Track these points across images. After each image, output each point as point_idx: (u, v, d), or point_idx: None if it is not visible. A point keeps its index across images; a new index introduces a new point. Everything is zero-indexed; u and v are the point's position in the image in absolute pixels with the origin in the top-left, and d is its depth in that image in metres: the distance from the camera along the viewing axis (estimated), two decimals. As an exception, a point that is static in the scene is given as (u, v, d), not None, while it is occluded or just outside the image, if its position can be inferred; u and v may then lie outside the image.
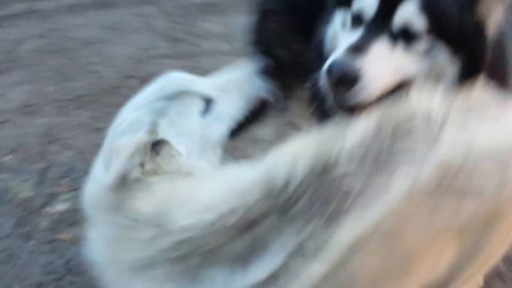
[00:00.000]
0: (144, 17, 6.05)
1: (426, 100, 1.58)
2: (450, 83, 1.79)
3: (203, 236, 1.57)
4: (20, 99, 4.54)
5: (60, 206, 3.13)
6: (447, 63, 1.77)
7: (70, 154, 3.61)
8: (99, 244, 1.75)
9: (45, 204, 3.15)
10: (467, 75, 1.78)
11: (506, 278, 2.44)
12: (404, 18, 1.73)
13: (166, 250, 1.60)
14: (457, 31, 1.75)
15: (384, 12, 1.75)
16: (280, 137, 2.68)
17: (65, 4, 6.43)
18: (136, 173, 1.67)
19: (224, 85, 1.95)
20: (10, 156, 3.74)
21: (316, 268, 1.50)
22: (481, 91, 1.68)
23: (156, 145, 1.73)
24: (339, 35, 1.90)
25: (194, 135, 1.81)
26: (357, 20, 1.81)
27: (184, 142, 1.78)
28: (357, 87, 1.67)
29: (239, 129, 1.95)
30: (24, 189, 3.29)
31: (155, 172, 1.70)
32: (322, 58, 1.84)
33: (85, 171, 1.79)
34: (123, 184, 1.67)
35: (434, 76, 1.78)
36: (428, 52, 1.76)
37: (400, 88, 1.78)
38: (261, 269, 1.54)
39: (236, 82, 1.98)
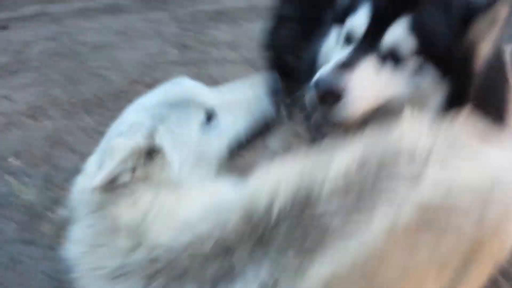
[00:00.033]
0: (154, 23, 6.06)
1: (411, 132, 1.57)
2: (436, 108, 1.79)
3: (177, 256, 1.56)
4: (27, 101, 4.55)
5: (64, 211, 3.12)
6: (434, 86, 1.78)
7: (75, 158, 3.60)
8: (78, 247, 1.72)
9: (49, 209, 3.14)
10: (453, 101, 1.78)
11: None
12: (392, 40, 1.74)
13: (140, 264, 1.59)
14: (445, 54, 1.76)
15: (374, 32, 1.77)
16: (287, 146, 2.66)
17: (76, 8, 6.47)
18: (125, 177, 1.65)
19: (230, 100, 1.91)
20: (15, 159, 3.74)
21: None
22: (466, 122, 1.66)
23: (151, 152, 1.71)
24: (332, 50, 1.92)
25: (191, 146, 1.78)
26: (348, 38, 1.83)
27: (179, 152, 1.75)
28: (341, 103, 1.69)
29: (239, 147, 1.90)
30: (28, 193, 3.28)
31: (144, 180, 1.68)
32: (313, 70, 1.85)
33: (90, 176, 1.76)
34: (111, 187, 1.65)
35: (420, 98, 1.79)
36: (415, 73, 1.76)
37: (386, 107, 1.79)
38: None
39: (243, 99, 1.94)
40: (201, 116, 1.81)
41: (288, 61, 2.51)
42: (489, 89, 1.90)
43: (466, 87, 1.79)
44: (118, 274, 1.62)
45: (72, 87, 4.74)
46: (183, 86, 1.88)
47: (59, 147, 3.81)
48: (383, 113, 1.79)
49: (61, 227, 3.00)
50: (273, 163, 1.64)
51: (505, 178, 1.56)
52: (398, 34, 1.73)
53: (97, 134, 3.86)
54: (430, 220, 1.47)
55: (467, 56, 1.76)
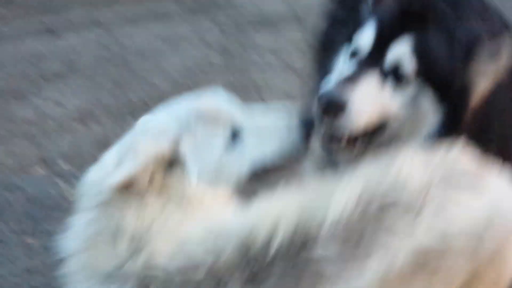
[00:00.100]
0: (200, 30, 6.14)
1: (409, 166, 1.57)
2: (431, 133, 1.83)
3: (170, 279, 1.53)
4: (76, 106, 4.67)
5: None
6: (430, 110, 1.81)
7: (122, 162, 3.69)
8: (76, 241, 1.68)
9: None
10: (447, 128, 1.81)
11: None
12: (396, 56, 1.79)
13: (135, 273, 1.56)
14: (444, 80, 1.79)
15: (379, 50, 1.82)
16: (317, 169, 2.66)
17: (125, 15, 6.56)
18: (143, 181, 1.62)
19: (259, 123, 1.85)
20: (64, 162, 3.86)
21: None
22: (463, 150, 1.68)
23: (172, 162, 1.68)
24: (342, 67, 1.96)
25: (211, 162, 1.73)
26: (354, 55, 1.88)
27: (199, 165, 1.71)
28: (344, 116, 1.74)
29: (261, 174, 1.83)
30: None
31: (158, 189, 1.65)
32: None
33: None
34: (126, 188, 1.61)
35: (417, 120, 1.83)
36: (414, 95, 1.81)
37: (384, 126, 1.84)
38: None
39: (272, 126, 1.86)
40: (227, 133, 1.77)
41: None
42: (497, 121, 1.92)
43: (459, 118, 1.81)
44: (111, 277, 1.59)
45: (120, 92, 4.86)
46: (215, 98, 1.85)
47: (107, 150, 3.90)
48: (384, 136, 1.85)
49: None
50: (276, 193, 1.62)
51: (504, 207, 1.56)
52: (401, 51, 1.79)
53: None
54: (425, 263, 1.47)
55: (465, 87, 1.79)
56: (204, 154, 1.73)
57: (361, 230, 1.49)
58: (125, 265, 1.58)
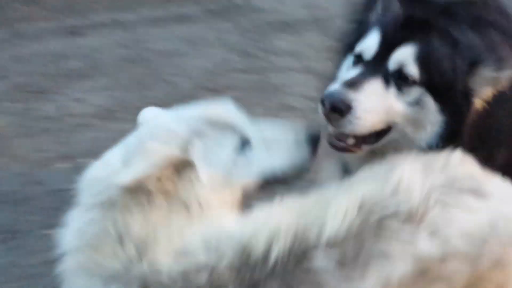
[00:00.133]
0: (220, 33, 6.20)
1: (410, 174, 1.57)
2: (433, 139, 1.85)
3: (172, 285, 1.52)
4: (99, 104, 4.74)
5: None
6: (432, 116, 1.84)
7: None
8: (75, 239, 1.65)
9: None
10: (449, 134, 1.84)
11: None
12: (398, 61, 1.83)
13: (137, 276, 1.55)
14: (446, 89, 1.82)
15: (383, 55, 1.86)
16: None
17: (147, 17, 6.63)
18: (150, 184, 1.60)
19: (268, 136, 1.86)
20: (86, 159, 3.89)
21: None
22: (463, 158, 1.68)
23: (180, 166, 1.66)
24: (345, 73, 1.99)
25: (221, 168, 1.73)
26: (358, 59, 1.92)
27: (208, 171, 1.70)
28: (347, 117, 1.78)
29: (267, 185, 1.85)
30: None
31: (165, 192, 1.62)
32: None
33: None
34: (135, 188, 1.59)
35: (419, 125, 1.86)
36: (416, 100, 1.84)
37: (389, 129, 1.88)
38: None
39: (281, 140, 1.87)
40: (236, 142, 1.78)
41: None
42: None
43: (461, 125, 1.84)
44: (114, 279, 1.57)
45: (140, 92, 4.92)
46: (225, 108, 1.86)
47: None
48: (389, 138, 1.89)
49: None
50: (277, 202, 1.62)
51: (507, 211, 1.55)
52: (404, 56, 1.83)
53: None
54: (426, 270, 1.47)
55: (467, 95, 1.83)
56: (213, 159, 1.73)
57: (361, 241, 1.49)
58: (129, 268, 1.56)
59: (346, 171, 2.15)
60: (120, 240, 1.59)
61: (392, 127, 1.89)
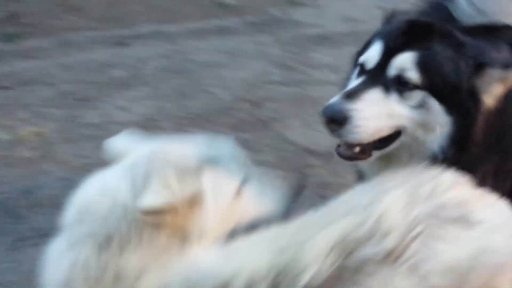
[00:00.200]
0: (260, 45, 6.27)
1: (392, 208, 1.54)
2: (443, 141, 1.86)
3: None
4: (141, 113, 4.82)
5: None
6: (439, 117, 1.86)
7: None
8: (61, 273, 1.59)
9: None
10: (459, 135, 1.85)
11: None
12: (398, 66, 1.86)
13: None
14: (450, 90, 1.84)
15: (383, 64, 1.89)
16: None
17: (189, 29, 6.72)
18: (169, 215, 1.55)
19: (262, 182, 1.87)
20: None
21: None
22: (453, 181, 1.66)
23: (195, 197, 1.64)
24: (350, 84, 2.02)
25: (227, 201, 1.73)
26: (361, 70, 1.96)
27: (216, 203, 1.69)
28: (346, 127, 1.82)
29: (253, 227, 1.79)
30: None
31: (175, 225, 1.58)
32: None
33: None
34: (155, 217, 1.55)
35: (427, 128, 1.87)
36: (420, 103, 1.86)
37: (398, 134, 1.90)
38: None
39: (271, 189, 1.88)
40: (241, 177, 1.80)
41: None
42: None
43: (469, 130, 1.84)
44: None
45: (182, 102, 5.00)
46: (232, 145, 1.87)
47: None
48: (399, 143, 1.91)
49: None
50: (253, 237, 1.61)
51: (495, 239, 1.52)
52: (403, 62, 1.86)
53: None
54: None
55: (472, 97, 1.84)
56: (221, 190, 1.73)
57: (340, 283, 1.49)
58: None
59: (361, 177, 2.20)
60: (117, 278, 1.55)
61: (401, 132, 1.92)
